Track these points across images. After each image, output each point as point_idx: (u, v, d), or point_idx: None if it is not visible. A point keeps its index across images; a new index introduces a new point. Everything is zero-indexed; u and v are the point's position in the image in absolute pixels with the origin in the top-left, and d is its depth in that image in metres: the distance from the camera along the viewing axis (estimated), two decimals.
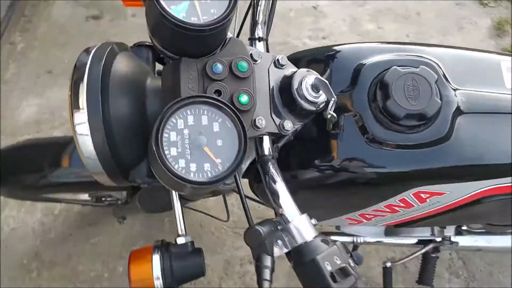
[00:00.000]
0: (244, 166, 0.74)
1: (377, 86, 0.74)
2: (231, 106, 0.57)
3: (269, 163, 0.66)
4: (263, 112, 0.67)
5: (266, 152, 0.68)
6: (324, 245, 0.57)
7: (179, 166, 0.54)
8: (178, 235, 0.73)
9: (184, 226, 0.74)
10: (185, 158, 0.54)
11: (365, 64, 0.78)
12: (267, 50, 0.76)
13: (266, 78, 0.69)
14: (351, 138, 0.76)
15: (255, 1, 0.72)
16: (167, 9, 0.57)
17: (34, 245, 1.82)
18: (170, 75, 0.64)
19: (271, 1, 0.74)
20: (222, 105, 0.56)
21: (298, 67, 0.73)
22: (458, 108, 0.75)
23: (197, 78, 0.63)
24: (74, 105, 0.63)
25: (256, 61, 0.68)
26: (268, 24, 0.74)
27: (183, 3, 0.59)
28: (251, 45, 0.73)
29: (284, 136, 0.71)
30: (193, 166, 0.54)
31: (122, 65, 0.69)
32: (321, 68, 0.82)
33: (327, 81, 0.66)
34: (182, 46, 0.62)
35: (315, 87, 0.67)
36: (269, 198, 0.63)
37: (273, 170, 0.65)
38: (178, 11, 0.58)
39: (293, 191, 0.81)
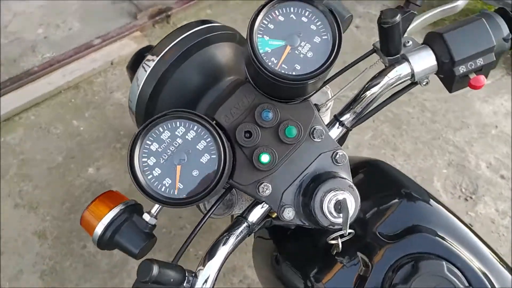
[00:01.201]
0: (239, 210, 0.70)
1: (411, 261, 0.60)
2: (225, 145, 0.53)
3: (242, 227, 0.61)
4: (279, 184, 0.61)
5: (251, 218, 0.63)
6: None
7: (147, 161, 0.53)
8: (149, 212, 0.74)
9: (159, 210, 0.75)
10: (157, 159, 0.53)
11: (429, 234, 0.65)
12: (341, 140, 0.67)
13: (311, 160, 0.62)
14: (348, 280, 0.65)
15: (364, 87, 0.64)
16: (255, 36, 0.54)
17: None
18: (229, 89, 0.62)
19: (375, 102, 0.65)
20: (218, 138, 0.52)
21: (363, 177, 0.64)
22: None
23: (244, 109, 0.60)
24: (155, 49, 0.67)
25: (314, 138, 0.61)
26: (361, 118, 0.65)
27: (279, 42, 0.55)
28: (331, 123, 0.66)
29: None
30: (157, 171, 0.53)
31: (220, 51, 0.70)
32: (394, 195, 0.71)
33: (350, 213, 0.57)
34: (252, 74, 0.59)
35: (338, 206, 0.58)
36: (206, 251, 0.59)
37: (236, 233, 0.60)
38: (266, 45, 0.55)
39: (267, 271, 0.74)
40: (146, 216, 0.73)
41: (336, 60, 0.54)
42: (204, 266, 0.57)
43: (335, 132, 0.65)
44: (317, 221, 0.59)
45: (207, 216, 0.64)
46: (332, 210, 0.58)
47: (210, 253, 0.58)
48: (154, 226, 0.74)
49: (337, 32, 0.54)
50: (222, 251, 0.58)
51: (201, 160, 0.53)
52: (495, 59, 0.57)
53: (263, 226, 0.66)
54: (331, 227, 0.59)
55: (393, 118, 2.15)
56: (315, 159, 0.62)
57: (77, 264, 1.65)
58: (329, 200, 0.58)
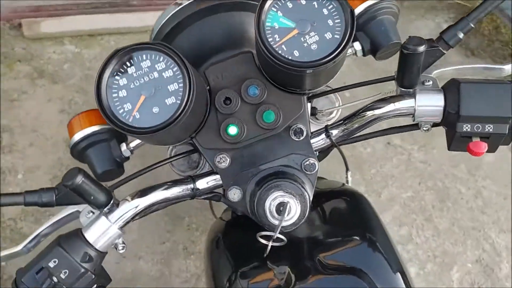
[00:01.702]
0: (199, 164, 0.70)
1: None
2: (191, 95, 0.51)
3: (187, 186, 0.60)
4: (238, 163, 0.59)
5: (199, 184, 0.61)
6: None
7: (119, 80, 0.54)
8: (127, 143, 0.75)
9: (136, 146, 0.75)
10: (128, 82, 0.53)
11: (368, 284, 0.59)
12: (323, 154, 0.64)
13: (280, 155, 0.59)
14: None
15: (365, 106, 0.59)
16: (267, 7, 0.53)
17: None
18: (234, 54, 0.61)
19: (371, 127, 0.60)
20: (188, 87, 0.51)
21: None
22: None
23: (236, 77, 0.58)
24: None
25: (291, 135, 0.58)
26: (349, 139, 0.61)
27: (289, 22, 0.53)
28: (318, 131, 0.62)
29: None
30: (123, 93, 0.53)
31: (250, 20, 0.69)
32: (357, 234, 0.66)
33: (289, 221, 0.54)
34: (256, 47, 0.57)
35: (279, 208, 0.54)
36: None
37: (179, 187, 0.59)
38: (275, 20, 0.53)
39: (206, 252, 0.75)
40: (122, 146, 0.74)
41: (334, 61, 0.51)
42: (131, 199, 0.57)
43: (319, 141, 0.61)
44: (255, 213, 0.57)
45: (165, 162, 0.64)
46: (273, 209, 0.55)
47: (144, 191, 0.58)
48: (127, 158, 0.75)
49: (347, 36, 0.51)
50: (156, 195, 0.58)
51: (166, 100, 0.53)
52: (507, 132, 0.50)
53: (209, 198, 0.64)
54: (266, 226, 0.56)
55: (441, 189, 1.99)
56: (284, 156, 0.59)
57: None
58: (274, 198, 0.55)
